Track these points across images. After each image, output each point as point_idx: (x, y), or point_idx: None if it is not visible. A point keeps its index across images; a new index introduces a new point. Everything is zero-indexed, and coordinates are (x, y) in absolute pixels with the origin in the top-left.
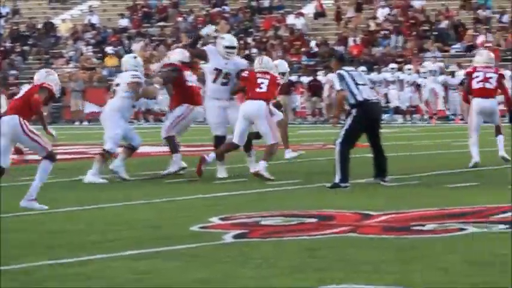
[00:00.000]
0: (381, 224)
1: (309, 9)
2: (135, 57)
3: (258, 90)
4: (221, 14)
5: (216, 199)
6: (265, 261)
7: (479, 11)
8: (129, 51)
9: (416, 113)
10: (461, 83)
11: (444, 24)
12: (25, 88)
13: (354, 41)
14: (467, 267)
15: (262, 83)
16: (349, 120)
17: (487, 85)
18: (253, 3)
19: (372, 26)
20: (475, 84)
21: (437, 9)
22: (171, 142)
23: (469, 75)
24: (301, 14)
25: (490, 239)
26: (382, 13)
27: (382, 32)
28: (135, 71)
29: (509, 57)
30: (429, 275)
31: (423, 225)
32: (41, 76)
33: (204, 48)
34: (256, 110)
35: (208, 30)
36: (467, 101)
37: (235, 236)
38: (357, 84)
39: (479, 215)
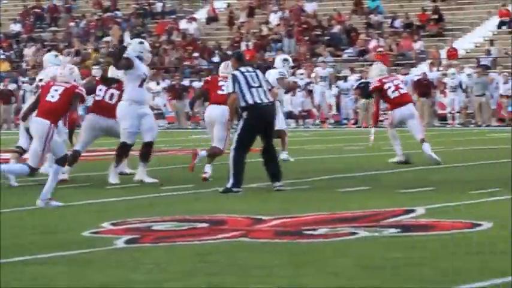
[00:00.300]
0: (273, 229)
1: (202, 14)
2: (56, 56)
3: (219, 92)
4: (113, 19)
5: (108, 204)
6: (157, 266)
7: (371, 16)
8: (21, 56)
9: (309, 117)
10: (358, 88)
11: (336, 29)
12: (59, 89)
13: (247, 45)
14: (359, 271)
15: (223, 85)
16: (240, 124)
17: (402, 91)
18: (146, 8)
19: (265, 31)
20: (392, 94)
21: (329, 14)
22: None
23: (378, 90)
24: (194, 19)
25: (381, 243)
26: (274, 18)
27: (275, 37)
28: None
29: (401, 61)
30: (321, 279)
31: (315, 230)
32: (66, 73)
33: (128, 56)
34: (219, 114)
35: (128, 38)
36: (377, 114)
37: (127, 241)
38: (250, 86)
39: (371, 219)
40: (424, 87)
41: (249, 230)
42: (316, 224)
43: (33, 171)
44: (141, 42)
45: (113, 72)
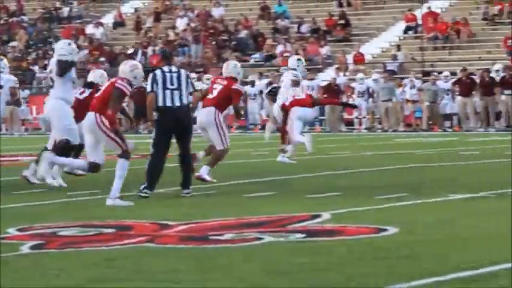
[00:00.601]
0: (179, 234)
1: (108, 19)
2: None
3: (209, 96)
4: (20, 24)
5: (14, 210)
6: (63, 271)
7: (278, 21)
8: None
9: None
10: (270, 93)
11: (243, 33)
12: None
13: (154, 50)
14: (265, 276)
15: (215, 88)
16: (155, 127)
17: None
18: (52, 13)
19: (171, 36)
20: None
21: (236, 19)
22: None
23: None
24: (101, 24)
25: (287, 248)
26: (181, 23)
27: (182, 41)
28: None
29: (308, 67)
30: (227, 284)
31: (221, 235)
32: (124, 70)
33: (66, 60)
34: (205, 117)
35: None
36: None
37: (33, 247)
38: (165, 88)
39: (277, 224)
40: (332, 92)
41: (155, 235)
42: (223, 229)
43: (95, 166)
44: (69, 44)
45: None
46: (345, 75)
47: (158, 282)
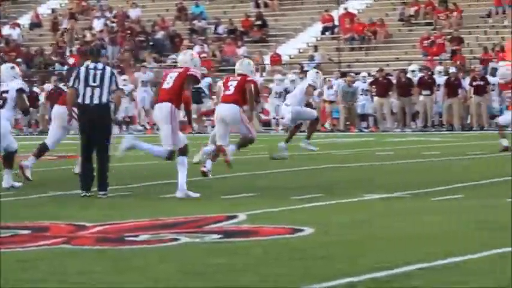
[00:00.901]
0: (95, 235)
1: (25, 20)
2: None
3: (227, 92)
4: None
5: None
6: None
7: (195, 22)
8: None
9: (133, 123)
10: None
11: (160, 34)
12: (173, 76)
13: (70, 51)
14: (181, 277)
15: (230, 85)
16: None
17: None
18: None
19: (88, 37)
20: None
21: (153, 20)
22: None
23: None
24: (17, 25)
25: (203, 249)
26: (98, 23)
27: (98, 42)
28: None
29: (225, 67)
30: (142, 285)
31: (137, 236)
32: (186, 59)
33: None
34: (228, 113)
35: None
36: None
37: None
38: (86, 85)
39: (193, 225)
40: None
41: (71, 236)
42: (138, 231)
43: (171, 154)
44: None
45: None
46: (261, 76)
47: (73, 284)
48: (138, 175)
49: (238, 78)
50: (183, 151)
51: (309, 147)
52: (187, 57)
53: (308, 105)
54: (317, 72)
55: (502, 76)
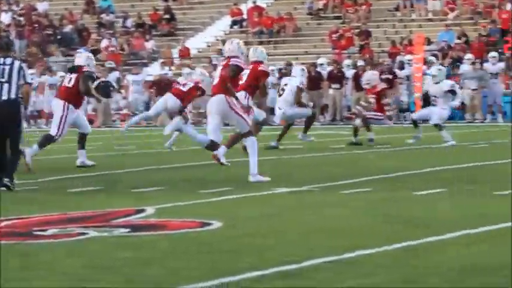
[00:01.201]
0: (2, 230)
1: None
2: None
3: (239, 82)
4: None
5: None
6: None
7: (103, 15)
8: None
9: (40, 117)
10: (97, 87)
11: (68, 28)
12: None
13: None
14: (89, 271)
15: (244, 73)
16: None
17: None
18: None
19: None
20: None
21: (61, 13)
22: None
23: None
24: None
25: (111, 243)
26: (5, 17)
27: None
28: None
29: (133, 61)
30: (50, 281)
31: (45, 230)
32: (233, 48)
33: None
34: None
35: None
36: None
37: None
38: None
39: (101, 219)
40: (160, 87)
41: None
42: (46, 225)
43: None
44: None
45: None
46: (170, 69)
47: None
48: (49, 168)
49: (251, 67)
50: (248, 133)
51: (306, 139)
52: (235, 46)
53: (300, 104)
54: (302, 69)
55: (367, 81)
